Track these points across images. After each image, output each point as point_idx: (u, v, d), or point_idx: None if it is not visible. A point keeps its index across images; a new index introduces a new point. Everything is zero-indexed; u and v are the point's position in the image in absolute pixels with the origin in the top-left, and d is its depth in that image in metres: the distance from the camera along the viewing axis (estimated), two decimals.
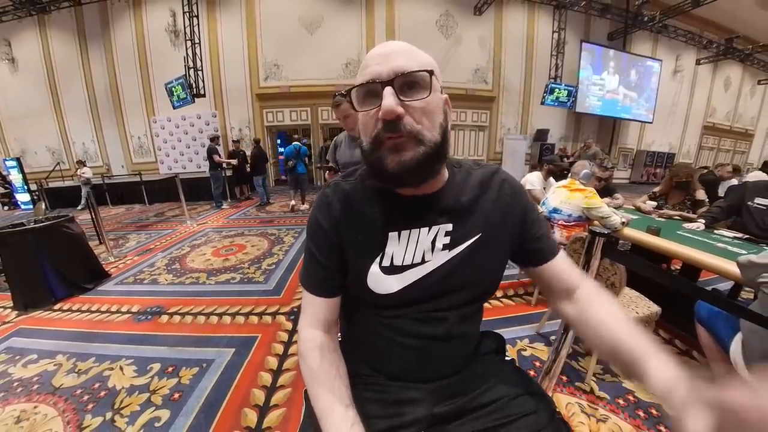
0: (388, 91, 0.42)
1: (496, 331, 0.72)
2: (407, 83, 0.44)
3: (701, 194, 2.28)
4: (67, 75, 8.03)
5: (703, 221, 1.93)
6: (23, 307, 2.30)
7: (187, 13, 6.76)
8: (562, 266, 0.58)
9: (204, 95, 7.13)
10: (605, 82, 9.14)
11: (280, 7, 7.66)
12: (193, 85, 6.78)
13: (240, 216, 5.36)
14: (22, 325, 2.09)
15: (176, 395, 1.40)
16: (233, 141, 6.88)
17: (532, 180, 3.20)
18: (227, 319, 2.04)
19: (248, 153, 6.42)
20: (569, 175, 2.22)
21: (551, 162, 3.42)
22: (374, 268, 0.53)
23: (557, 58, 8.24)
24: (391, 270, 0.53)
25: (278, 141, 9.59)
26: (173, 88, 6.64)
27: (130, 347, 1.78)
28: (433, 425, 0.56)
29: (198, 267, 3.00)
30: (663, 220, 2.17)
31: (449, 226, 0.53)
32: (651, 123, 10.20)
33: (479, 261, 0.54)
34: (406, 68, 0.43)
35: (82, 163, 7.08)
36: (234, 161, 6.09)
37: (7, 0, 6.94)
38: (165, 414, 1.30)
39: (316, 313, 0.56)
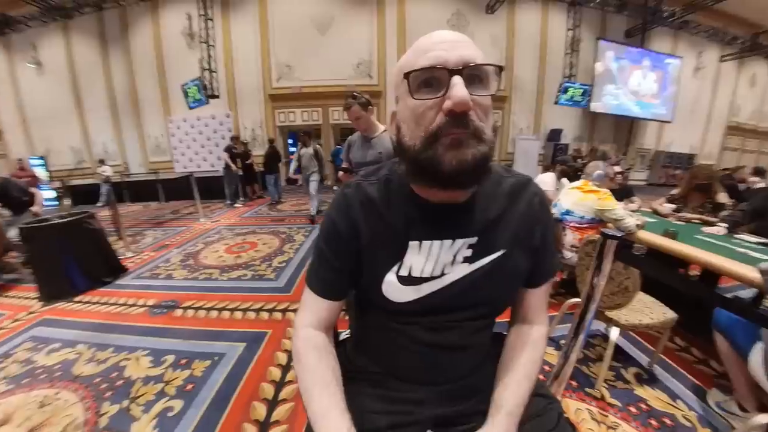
0: (459, 80, 0.38)
1: (505, 333, 0.71)
2: (473, 76, 0.40)
3: (723, 197, 2.19)
4: (89, 77, 8.35)
5: (725, 225, 1.86)
6: (47, 298, 2.41)
7: (203, 16, 6.94)
8: (539, 298, 0.58)
9: (218, 96, 7.30)
10: (622, 81, 8.88)
11: (292, 9, 7.76)
12: (208, 87, 6.94)
13: (252, 214, 5.46)
14: (46, 316, 2.20)
15: (189, 386, 1.45)
16: (242, 142, 7.03)
17: (545, 181, 3.15)
18: (239, 314, 2.09)
19: (262, 153, 6.55)
20: (582, 176, 2.17)
21: (564, 162, 3.36)
22: (390, 276, 0.51)
23: (572, 56, 8.07)
24: (408, 281, 0.51)
25: (290, 141, 9.73)
26: (188, 90, 6.81)
27: (146, 339, 1.85)
28: (440, 425, 0.56)
29: (211, 263, 3.07)
30: (681, 223, 2.10)
31: (473, 239, 0.50)
32: (670, 122, 9.85)
33: (499, 277, 0.52)
34: (474, 59, 0.39)
35: (102, 162, 7.36)
36: (232, 165, 6.12)
37: (34, 7, 7.27)
38: (178, 404, 1.34)
39: (317, 312, 0.55)
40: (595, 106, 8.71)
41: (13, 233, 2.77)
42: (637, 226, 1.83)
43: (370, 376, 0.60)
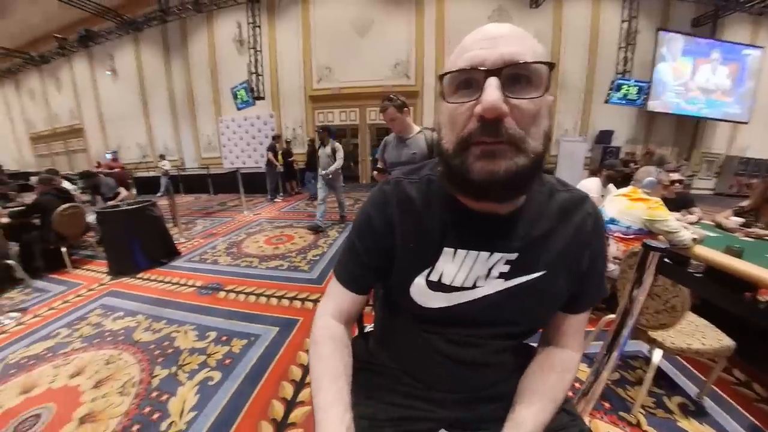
0: (492, 82, 0.34)
1: (534, 345, 0.65)
2: (517, 76, 0.36)
3: None
4: (154, 82, 9.45)
5: None
6: (115, 273, 2.79)
7: (251, 24, 7.46)
8: (577, 324, 0.54)
9: (263, 98, 7.80)
10: (687, 76, 7.91)
11: (333, 14, 8.01)
12: (255, 89, 7.45)
13: (290, 209, 5.77)
14: (113, 288, 2.54)
15: (227, 361, 1.60)
16: (285, 141, 7.47)
17: (590, 186, 2.95)
18: (274, 301, 2.24)
19: (302, 151, 6.96)
20: (631, 182, 2.01)
21: (611, 167, 3.11)
22: (420, 280, 0.49)
23: (627, 50, 7.36)
24: (438, 287, 0.49)
25: None
26: (238, 92, 7.34)
27: (193, 315, 2.06)
28: (454, 427, 0.56)
29: (252, 252, 3.32)
30: (750, 240, 1.86)
31: (513, 256, 0.47)
32: (746, 123, 8.56)
33: (535, 299, 0.48)
34: (518, 57, 0.35)
35: (162, 157, 8.26)
36: (275, 162, 6.48)
37: (111, 23, 8.47)
38: (217, 375, 1.49)
39: (340, 304, 0.55)
40: (653, 105, 7.85)
41: (92, 217, 3.23)
42: (694, 240, 1.66)
43: (389, 371, 0.61)
